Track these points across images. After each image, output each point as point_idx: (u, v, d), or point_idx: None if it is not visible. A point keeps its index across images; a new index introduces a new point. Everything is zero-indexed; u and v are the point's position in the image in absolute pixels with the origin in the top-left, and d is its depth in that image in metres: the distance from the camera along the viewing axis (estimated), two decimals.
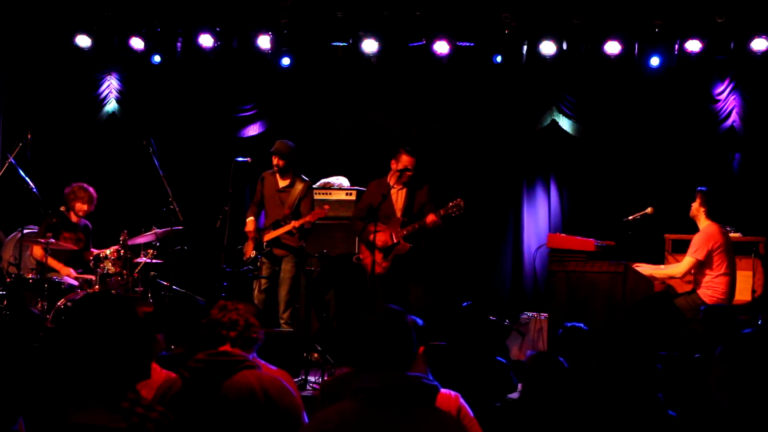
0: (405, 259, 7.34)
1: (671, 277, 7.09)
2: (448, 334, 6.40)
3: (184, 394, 3.27)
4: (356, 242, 8.39)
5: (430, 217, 7.15)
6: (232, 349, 3.38)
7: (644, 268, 7.16)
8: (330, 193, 8.53)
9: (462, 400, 3.46)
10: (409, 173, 7.33)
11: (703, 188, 7.04)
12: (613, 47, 8.38)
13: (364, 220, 7.39)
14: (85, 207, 7.78)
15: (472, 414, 3.46)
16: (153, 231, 7.73)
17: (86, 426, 2.61)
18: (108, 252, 7.53)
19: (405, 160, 7.32)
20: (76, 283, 7.53)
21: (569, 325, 4.22)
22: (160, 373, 3.89)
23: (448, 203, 7.19)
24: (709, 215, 6.93)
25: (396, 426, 2.56)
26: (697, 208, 6.99)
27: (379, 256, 7.33)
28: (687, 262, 6.85)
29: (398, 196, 7.45)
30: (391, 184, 7.40)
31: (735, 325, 4.60)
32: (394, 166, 7.38)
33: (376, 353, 2.70)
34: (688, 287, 7.03)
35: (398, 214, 7.39)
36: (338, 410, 2.67)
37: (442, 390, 3.43)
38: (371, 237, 7.26)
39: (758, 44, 8.19)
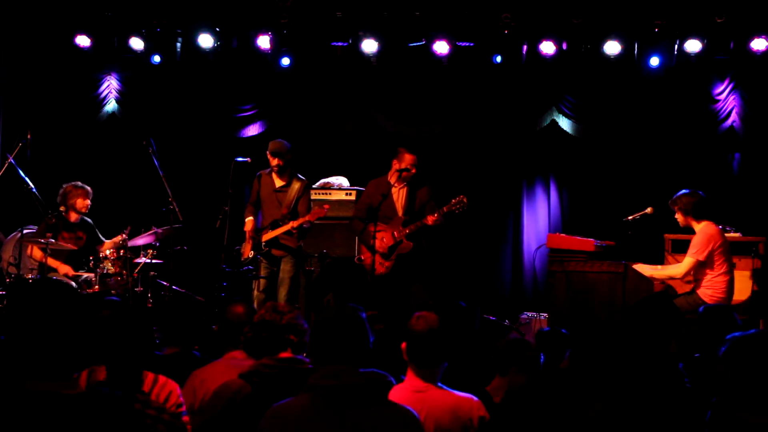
0: (407, 258, 7.32)
1: (671, 278, 7.06)
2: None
3: (257, 400, 3.16)
4: (356, 242, 8.39)
5: (433, 215, 7.15)
6: (298, 356, 3.32)
7: (644, 269, 7.14)
8: (330, 193, 8.52)
9: (483, 408, 3.39)
10: (413, 171, 7.32)
11: (672, 199, 6.89)
12: (613, 47, 8.39)
13: (363, 220, 7.38)
14: (86, 202, 7.78)
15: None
16: (153, 231, 7.73)
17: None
18: (108, 252, 7.53)
19: (408, 158, 7.30)
20: (73, 284, 7.52)
21: (546, 330, 4.24)
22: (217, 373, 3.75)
23: (451, 200, 7.18)
24: (699, 216, 6.86)
25: (350, 422, 2.58)
26: (683, 218, 6.89)
27: (381, 257, 7.32)
28: (687, 262, 6.82)
29: (399, 195, 7.43)
30: (393, 183, 7.39)
31: (732, 325, 4.59)
32: (395, 165, 7.37)
33: (331, 348, 2.71)
34: (688, 287, 7.01)
35: (400, 213, 7.38)
36: (294, 404, 2.68)
37: (464, 394, 3.39)
38: (372, 237, 7.26)
39: (758, 44, 8.19)
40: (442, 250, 8.79)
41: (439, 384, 3.40)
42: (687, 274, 6.87)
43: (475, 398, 3.41)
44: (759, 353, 2.60)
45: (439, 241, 8.48)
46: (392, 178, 7.40)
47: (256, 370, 3.22)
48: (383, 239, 7.28)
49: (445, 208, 7.15)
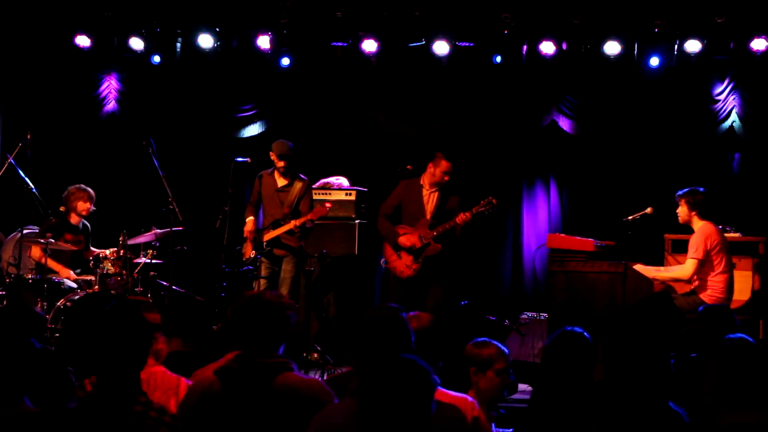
0: (434, 260, 7.26)
1: (678, 280, 7.00)
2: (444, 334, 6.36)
3: (224, 396, 3.13)
4: (356, 241, 8.39)
5: (461, 216, 7.07)
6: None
7: (648, 271, 7.12)
8: (329, 193, 8.52)
9: (479, 408, 3.36)
10: (446, 179, 7.25)
11: (682, 191, 6.97)
12: (612, 47, 8.39)
13: (390, 220, 7.35)
14: (87, 205, 7.78)
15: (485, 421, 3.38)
16: (153, 231, 7.73)
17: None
18: (108, 252, 7.53)
19: (444, 165, 7.20)
20: (75, 285, 7.52)
21: (567, 329, 4.08)
22: (171, 377, 3.77)
23: (480, 201, 7.12)
24: (703, 215, 6.89)
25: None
26: (687, 213, 6.92)
27: (408, 259, 7.28)
28: (691, 263, 6.80)
29: (430, 199, 7.34)
30: (425, 186, 7.36)
31: (731, 325, 4.60)
32: (431, 169, 7.26)
33: (374, 349, 2.70)
34: (688, 287, 7.02)
35: (428, 216, 7.30)
36: (341, 409, 2.67)
37: (459, 395, 3.37)
38: (399, 240, 7.23)
39: (758, 44, 8.19)
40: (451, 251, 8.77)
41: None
42: (693, 274, 6.83)
43: (470, 398, 3.39)
44: (739, 357, 2.61)
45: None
46: (425, 181, 7.37)
47: (228, 366, 3.18)
48: (409, 241, 7.26)
49: (474, 210, 7.08)
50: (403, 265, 7.27)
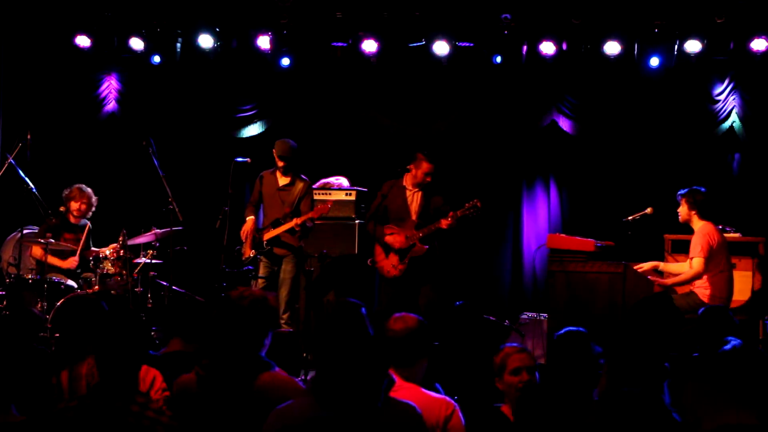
0: (421, 261, 7.30)
1: (694, 279, 6.90)
2: (441, 334, 6.38)
3: (200, 392, 3.16)
4: (355, 241, 8.39)
5: (446, 221, 7.11)
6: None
7: (662, 274, 7.08)
8: (330, 193, 8.52)
9: (457, 409, 3.30)
10: (428, 179, 7.28)
11: (683, 191, 6.96)
12: (612, 47, 8.39)
13: (377, 222, 7.36)
14: (77, 205, 7.76)
15: (463, 423, 3.32)
16: (153, 231, 7.73)
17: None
18: (107, 252, 7.53)
19: (425, 166, 7.25)
20: (74, 284, 7.52)
21: (567, 330, 4.07)
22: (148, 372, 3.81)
23: (465, 204, 7.15)
24: (702, 215, 6.89)
25: (351, 422, 2.57)
26: (687, 212, 6.91)
27: (395, 259, 7.30)
28: (698, 261, 6.74)
29: (414, 199, 7.38)
30: (408, 186, 7.38)
31: (730, 325, 4.60)
32: (412, 171, 7.31)
33: (333, 341, 2.70)
34: (687, 287, 7.00)
35: (413, 217, 7.33)
36: (296, 406, 2.68)
37: (435, 395, 3.34)
38: (386, 239, 7.26)
39: (758, 44, 8.20)
40: (450, 251, 8.78)
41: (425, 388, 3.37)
42: (704, 272, 6.78)
43: (448, 399, 3.33)
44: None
45: (445, 242, 8.46)
46: (408, 182, 7.38)
47: (203, 364, 3.20)
48: (395, 241, 7.28)
49: (459, 212, 7.12)
50: (390, 265, 7.30)
